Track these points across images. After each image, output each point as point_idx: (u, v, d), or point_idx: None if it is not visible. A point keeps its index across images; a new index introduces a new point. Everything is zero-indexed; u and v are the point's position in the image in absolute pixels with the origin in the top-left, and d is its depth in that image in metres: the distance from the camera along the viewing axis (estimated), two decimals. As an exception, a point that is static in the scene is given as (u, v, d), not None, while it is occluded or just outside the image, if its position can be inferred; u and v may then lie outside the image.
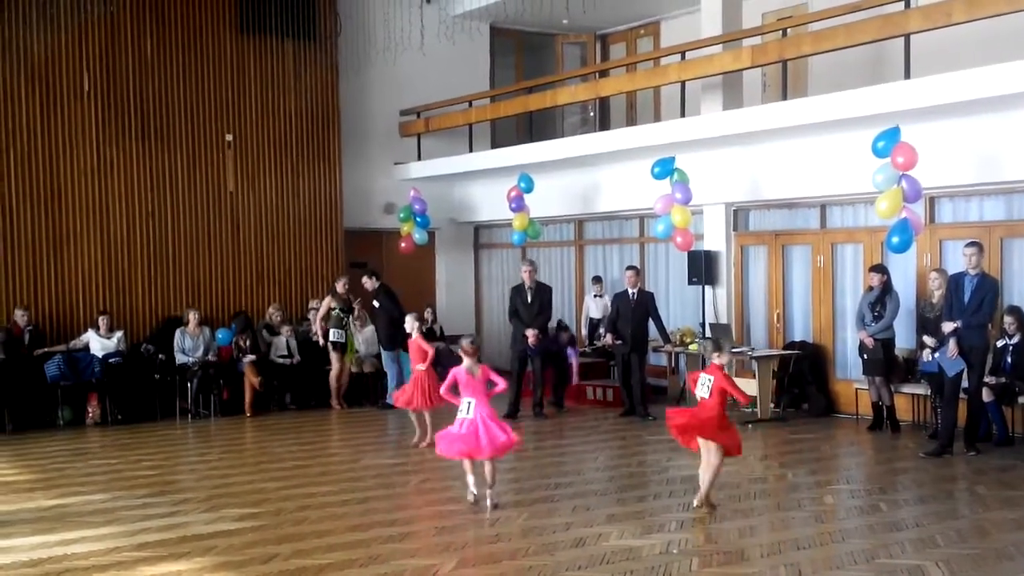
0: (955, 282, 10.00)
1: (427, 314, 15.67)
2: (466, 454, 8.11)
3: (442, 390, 8.51)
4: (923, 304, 11.12)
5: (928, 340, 10.51)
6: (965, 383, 9.99)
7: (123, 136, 14.41)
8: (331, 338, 13.80)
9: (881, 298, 11.18)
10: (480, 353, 8.46)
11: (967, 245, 10.00)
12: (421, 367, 10.91)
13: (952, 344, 9.81)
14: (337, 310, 13.83)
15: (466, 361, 8.23)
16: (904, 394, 11.49)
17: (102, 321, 13.35)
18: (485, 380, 8.23)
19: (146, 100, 14.57)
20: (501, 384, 8.41)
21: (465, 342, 8.34)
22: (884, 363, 11.16)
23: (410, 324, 11.31)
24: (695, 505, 8.00)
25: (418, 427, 11.08)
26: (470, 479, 8.24)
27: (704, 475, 7.99)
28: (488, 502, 8.15)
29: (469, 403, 8.10)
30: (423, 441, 10.83)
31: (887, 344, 11.17)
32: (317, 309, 14.56)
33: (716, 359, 8.08)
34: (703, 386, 7.98)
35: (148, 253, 14.58)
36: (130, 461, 10.55)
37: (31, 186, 13.82)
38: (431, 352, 11.01)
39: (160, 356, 13.46)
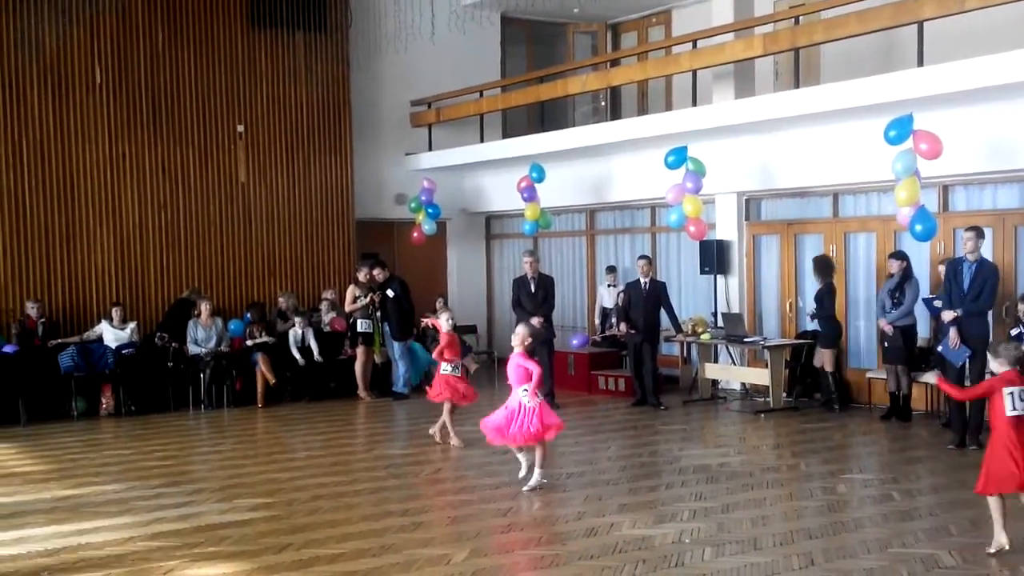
0: (953, 268, 9.78)
1: (438, 304, 15.65)
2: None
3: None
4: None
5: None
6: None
7: (135, 128, 14.44)
8: (359, 329, 13.81)
9: (900, 284, 11.01)
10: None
11: (967, 229, 9.81)
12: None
13: (953, 333, 9.67)
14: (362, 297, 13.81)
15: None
16: (920, 383, 11.36)
17: (115, 312, 13.40)
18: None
19: (158, 92, 14.59)
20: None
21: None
22: (905, 351, 10.98)
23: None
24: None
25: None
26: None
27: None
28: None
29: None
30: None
31: (907, 331, 11.00)
32: (331, 300, 14.63)
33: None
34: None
35: (160, 244, 14.63)
36: (143, 451, 10.60)
37: (44, 179, 13.87)
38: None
39: (173, 344, 13.40)
